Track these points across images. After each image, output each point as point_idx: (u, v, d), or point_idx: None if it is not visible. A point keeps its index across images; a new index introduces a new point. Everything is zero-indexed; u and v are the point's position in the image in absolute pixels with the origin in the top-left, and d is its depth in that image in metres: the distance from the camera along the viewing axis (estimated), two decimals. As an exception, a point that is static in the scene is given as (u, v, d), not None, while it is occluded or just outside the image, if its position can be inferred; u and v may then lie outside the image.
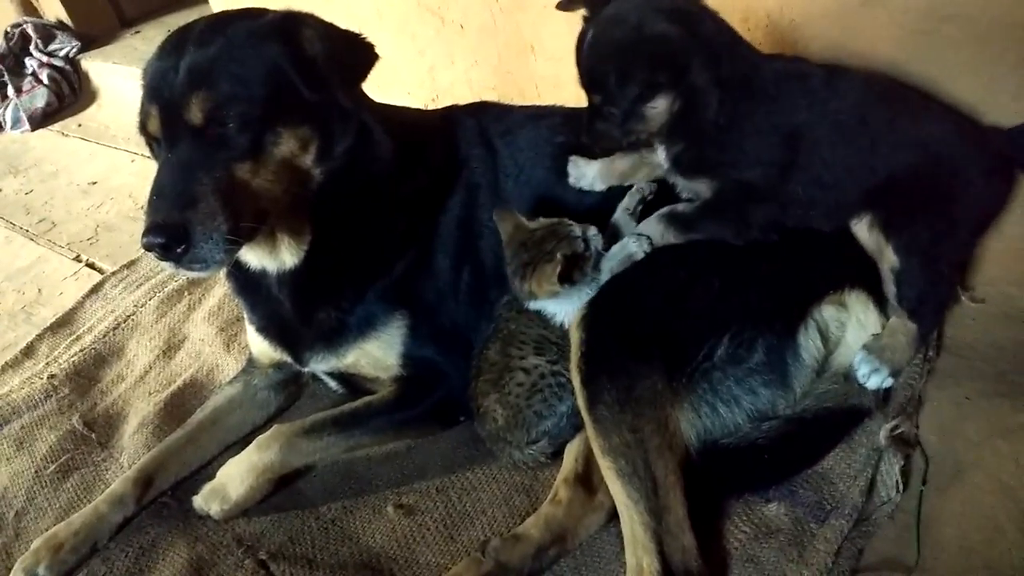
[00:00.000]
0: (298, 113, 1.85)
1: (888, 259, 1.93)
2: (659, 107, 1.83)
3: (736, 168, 1.91)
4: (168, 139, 1.80)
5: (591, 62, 1.85)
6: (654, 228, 1.98)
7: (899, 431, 1.91)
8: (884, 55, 2.13)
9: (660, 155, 2.00)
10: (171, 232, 1.69)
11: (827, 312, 1.96)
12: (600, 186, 2.14)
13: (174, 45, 1.84)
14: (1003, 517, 1.73)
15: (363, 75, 1.96)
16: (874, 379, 1.93)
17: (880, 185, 1.92)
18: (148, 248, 1.72)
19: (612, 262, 1.99)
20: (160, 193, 1.75)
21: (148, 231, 1.70)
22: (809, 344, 1.92)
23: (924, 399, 2.02)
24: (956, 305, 2.22)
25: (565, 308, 2.01)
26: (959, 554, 1.70)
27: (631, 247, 1.96)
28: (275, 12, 1.91)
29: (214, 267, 1.80)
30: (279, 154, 1.83)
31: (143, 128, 1.88)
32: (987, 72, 2.05)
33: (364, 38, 2.00)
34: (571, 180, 2.16)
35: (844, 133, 1.89)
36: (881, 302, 1.99)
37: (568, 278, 1.91)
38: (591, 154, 2.14)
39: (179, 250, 1.71)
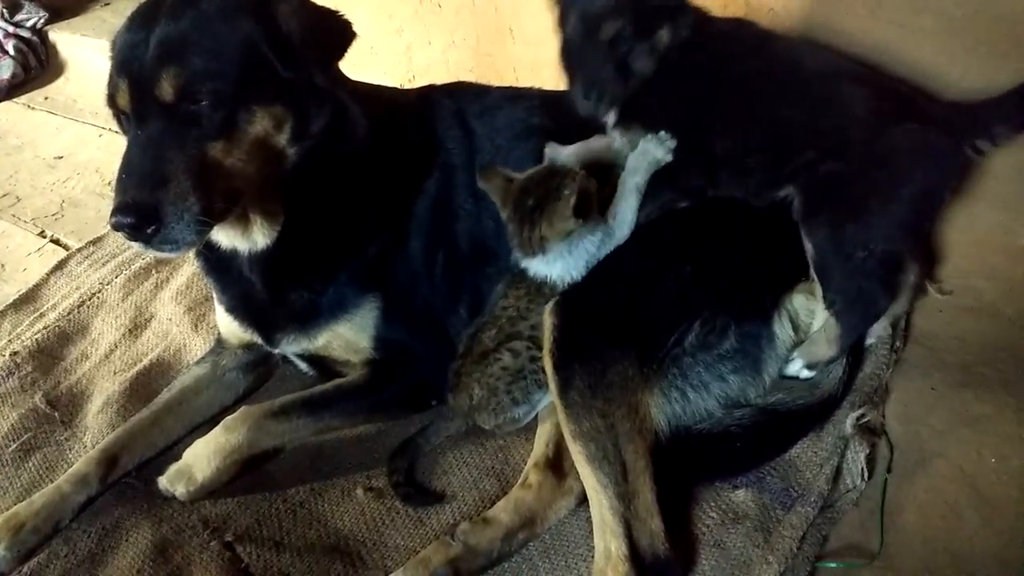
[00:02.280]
0: (272, 91, 1.81)
1: (807, 247, 1.88)
2: (664, 39, 1.85)
3: (657, 116, 1.93)
4: (137, 115, 1.76)
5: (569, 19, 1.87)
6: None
7: (865, 420, 1.94)
8: (859, 44, 2.14)
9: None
10: (141, 212, 1.65)
11: (797, 300, 1.98)
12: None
13: (145, 17, 1.79)
14: (965, 505, 1.77)
15: (340, 53, 1.92)
16: (789, 366, 1.96)
17: (798, 160, 1.84)
18: (117, 228, 1.68)
19: (636, 176, 1.94)
20: (129, 171, 1.70)
21: (117, 210, 1.66)
22: (783, 332, 1.94)
23: (890, 389, 2.05)
24: (924, 297, 2.25)
25: (569, 265, 1.96)
26: (921, 541, 1.73)
27: (652, 149, 1.92)
28: None
29: (185, 248, 1.77)
30: (253, 133, 1.79)
31: (111, 102, 1.83)
32: (961, 63, 2.07)
33: (341, 16, 1.96)
34: (547, 162, 2.13)
35: (754, 96, 1.88)
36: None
37: (584, 212, 1.86)
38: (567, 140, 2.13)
39: (149, 231, 1.67)
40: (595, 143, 2.11)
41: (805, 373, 1.97)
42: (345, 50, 1.93)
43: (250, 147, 1.80)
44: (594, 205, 1.91)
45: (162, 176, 1.67)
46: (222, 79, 1.73)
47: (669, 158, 1.92)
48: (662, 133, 1.92)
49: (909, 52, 2.13)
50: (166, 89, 1.70)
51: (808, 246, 1.87)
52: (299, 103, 1.86)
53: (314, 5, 1.93)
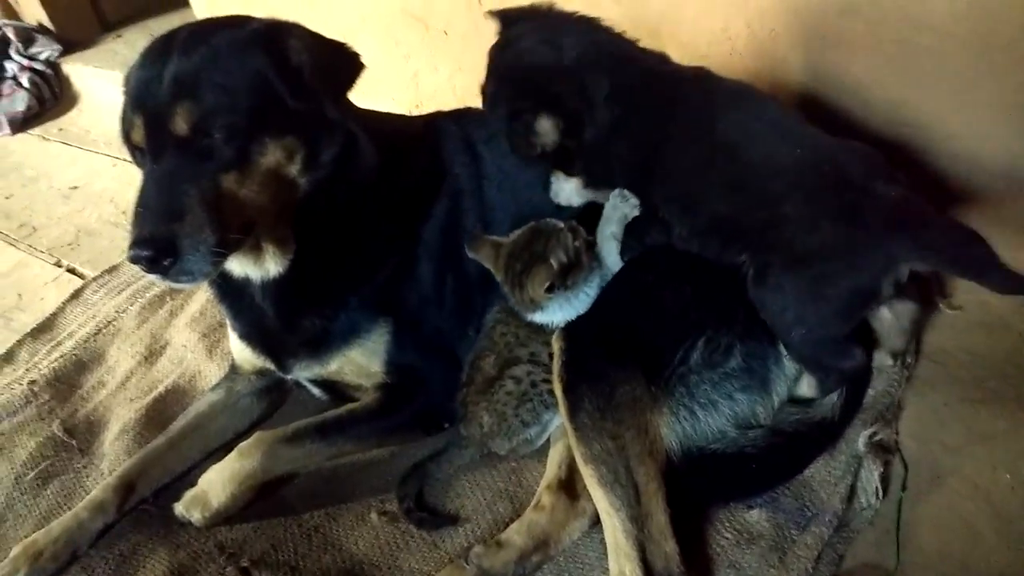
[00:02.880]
0: (284, 123, 1.83)
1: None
2: (544, 127, 1.93)
3: (615, 180, 1.98)
4: (153, 149, 1.79)
5: (489, 87, 2.02)
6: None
7: (878, 438, 1.93)
8: (861, 63, 2.16)
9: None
10: (158, 245, 1.68)
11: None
12: (577, 201, 2.15)
13: (158, 53, 1.83)
14: (981, 522, 1.76)
15: (349, 85, 1.95)
16: (800, 386, 1.96)
17: (746, 237, 1.81)
18: (135, 261, 1.70)
19: (610, 227, 1.99)
20: (146, 205, 1.73)
21: (135, 244, 1.68)
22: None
23: (903, 405, 2.04)
24: (935, 312, 2.25)
25: (571, 311, 2.00)
26: (938, 559, 1.72)
27: (619, 204, 1.98)
28: (260, 20, 1.91)
29: (201, 279, 1.79)
30: (265, 164, 1.82)
31: (126, 138, 1.86)
32: (960, 79, 2.09)
33: (350, 48, 1.99)
34: (551, 194, 2.17)
35: (692, 155, 1.87)
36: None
37: (565, 278, 1.93)
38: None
39: (166, 263, 1.69)
40: None
41: (812, 393, 1.96)
42: (354, 81, 1.96)
43: (263, 178, 1.82)
44: (581, 267, 1.96)
45: (178, 209, 1.70)
46: (235, 113, 1.76)
47: (636, 212, 1.97)
48: (624, 192, 1.97)
49: (908, 69, 2.15)
50: (180, 124, 1.73)
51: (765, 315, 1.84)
52: (310, 134, 1.89)
53: (323, 38, 1.96)
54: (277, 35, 1.85)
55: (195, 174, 1.73)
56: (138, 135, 1.80)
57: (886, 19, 2.12)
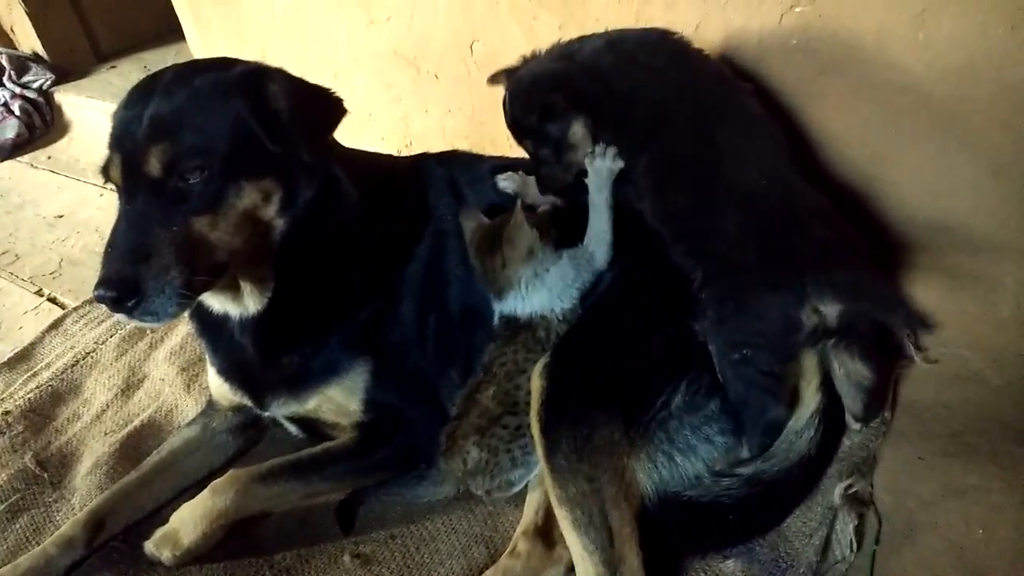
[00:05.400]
0: (261, 165, 1.86)
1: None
2: (577, 132, 2.01)
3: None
4: (127, 189, 1.81)
5: (512, 113, 2.08)
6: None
7: (853, 490, 1.93)
8: (841, 120, 2.20)
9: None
10: (122, 286, 1.70)
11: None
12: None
13: (141, 93, 1.86)
14: (953, 578, 1.76)
15: (329, 130, 1.99)
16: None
17: (688, 223, 1.96)
18: (99, 301, 1.72)
19: (601, 193, 2.03)
20: (115, 245, 1.76)
21: (100, 284, 1.71)
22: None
23: (879, 458, 2.05)
24: (911, 366, 2.27)
25: (555, 297, 2.02)
26: (910, 614, 1.72)
27: (599, 163, 2.01)
28: (245, 64, 1.94)
29: (167, 319, 1.79)
30: (241, 206, 1.84)
31: (106, 173, 1.89)
32: (938, 141, 2.14)
33: (332, 93, 2.03)
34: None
35: (686, 148, 1.97)
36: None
37: (539, 227, 1.97)
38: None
39: (129, 304, 1.71)
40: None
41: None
42: (334, 126, 2.00)
43: (238, 220, 1.84)
44: (549, 227, 2.01)
45: (145, 251, 1.72)
46: (210, 155, 1.78)
47: (620, 163, 2.00)
48: (599, 146, 2.01)
49: (886, 127, 2.20)
50: (154, 164, 1.76)
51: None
52: (288, 176, 1.91)
53: (304, 83, 1.99)
54: (258, 80, 1.89)
55: (167, 216, 1.76)
56: (115, 174, 1.83)
57: (865, 79, 2.17)
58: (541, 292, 2.02)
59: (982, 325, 2.24)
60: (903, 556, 1.82)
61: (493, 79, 2.25)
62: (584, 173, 2.05)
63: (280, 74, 1.95)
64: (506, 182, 2.26)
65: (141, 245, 1.73)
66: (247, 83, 1.87)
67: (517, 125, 2.10)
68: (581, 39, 2.11)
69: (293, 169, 1.91)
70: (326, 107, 2.00)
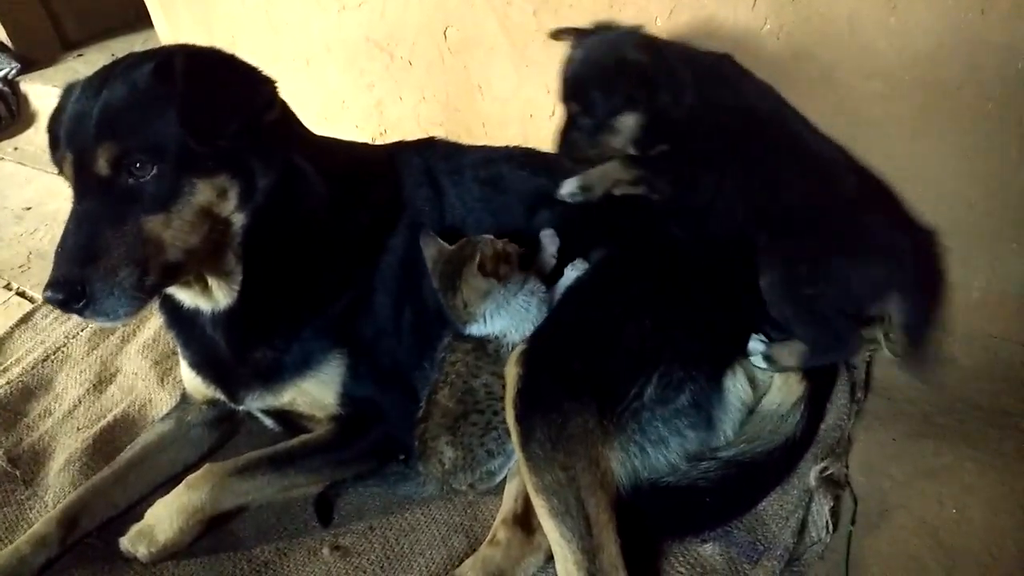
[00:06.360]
0: (212, 160, 1.78)
1: (762, 283, 2.01)
2: (628, 122, 2.07)
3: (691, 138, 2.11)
4: (78, 188, 1.76)
5: (578, 75, 2.09)
6: (611, 165, 2.11)
7: (829, 472, 1.96)
8: (813, 105, 2.21)
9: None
10: (68, 289, 1.65)
11: (756, 359, 2.02)
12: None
13: (94, 87, 1.79)
14: (927, 557, 1.79)
15: (254, 114, 1.85)
16: (751, 344, 2.05)
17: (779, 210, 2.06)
18: (48, 302, 1.69)
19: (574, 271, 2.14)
20: (64, 246, 1.71)
21: (47, 286, 1.67)
22: (737, 388, 1.97)
23: (853, 440, 2.08)
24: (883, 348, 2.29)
25: (512, 325, 2.03)
26: (885, 594, 1.74)
27: (569, 272, 2.12)
28: (180, 49, 1.85)
29: (122, 318, 1.75)
30: (196, 204, 1.78)
31: (60, 169, 1.84)
32: (908, 126, 2.16)
33: (258, 73, 1.90)
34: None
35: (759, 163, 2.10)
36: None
37: (492, 271, 1.97)
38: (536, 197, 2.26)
39: (78, 305, 1.67)
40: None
41: (760, 363, 2.02)
42: (266, 111, 1.87)
43: (194, 218, 1.78)
44: (511, 263, 2.02)
45: (93, 252, 1.68)
46: (158, 153, 1.72)
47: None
48: (578, 260, 2.15)
49: (861, 112, 2.22)
50: (102, 164, 1.71)
51: (763, 282, 1.99)
52: (243, 168, 1.84)
53: (218, 64, 1.87)
54: (170, 66, 1.76)
55: (117, 215, 1.71)
56: (68, 171, 1.78)
57: (838, 65, 2.18)
58: (504, 319, 2.04)
59: (954, 308, 2.26)
60: (878, 537, 1.85)
61: (561, 33, 2.21)
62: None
63: (190, 55, 1.82)
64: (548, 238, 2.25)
65: (88, 246, 1.68)
66: (162, 70, 1.76)
67: (578, 89, 2.09)
68: (652, 36, 2.17)
69: (248, 160, 1.84)
70: (246, 89, 1.86)
